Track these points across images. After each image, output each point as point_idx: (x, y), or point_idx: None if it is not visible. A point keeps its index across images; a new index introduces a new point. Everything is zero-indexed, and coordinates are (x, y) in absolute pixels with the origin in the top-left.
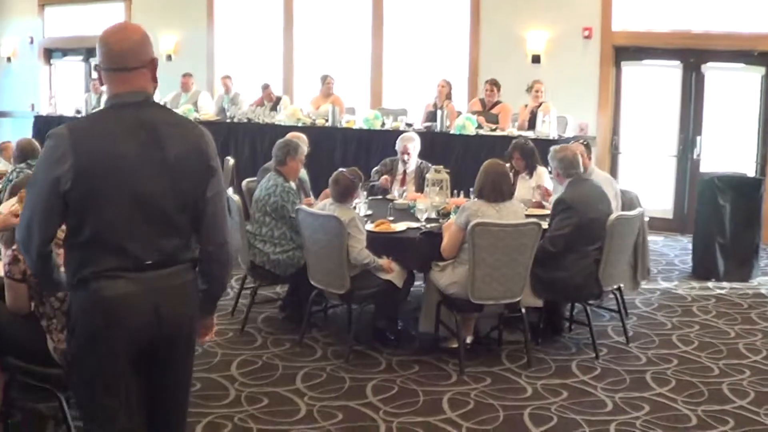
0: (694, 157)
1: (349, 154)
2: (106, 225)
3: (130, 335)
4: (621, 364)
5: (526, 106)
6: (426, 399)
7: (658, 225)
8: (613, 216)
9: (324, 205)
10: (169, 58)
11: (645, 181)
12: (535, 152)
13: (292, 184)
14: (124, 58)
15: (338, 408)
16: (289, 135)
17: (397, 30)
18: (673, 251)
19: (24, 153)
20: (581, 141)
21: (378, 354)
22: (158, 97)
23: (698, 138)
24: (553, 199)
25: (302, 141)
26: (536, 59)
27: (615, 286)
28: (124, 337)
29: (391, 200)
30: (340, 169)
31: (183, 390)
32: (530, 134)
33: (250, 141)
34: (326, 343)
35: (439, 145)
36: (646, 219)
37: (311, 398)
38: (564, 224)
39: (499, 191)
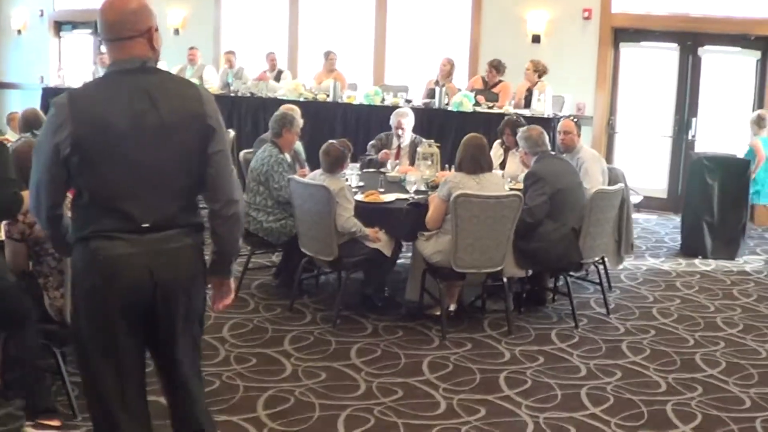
0: (689, 138)
1: (349, 128)
2: (103, 188)
3: (125, 293)
4: (599, 333)
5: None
6: (407, 362)
7: (653, 204)
8: (592, 189)
9: (314, 175)
10: (176, 32)
11: (641, 160)
12: None
13: (287, 156)
14: (120, 28)
15: (322, 368)
16: (283, 107)
17: (400, 8)
18: (664, 229)
19: (29, 123)
20: (571, 118)
21: (365, 320)
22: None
23: (693, 119)
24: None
25: (296, 113)
26: (536, 39)
27: (596, 258)
28: (119, 295)
29: (385, 173)
30: (330, 141)
31: (190, 355)
32: (526, 112)
33: (253, 114)
34: (316, 308)
35: (437, 122)
36: (641, 198)
37: (297, 359)
38: (537, 195)
39: (477, 163)
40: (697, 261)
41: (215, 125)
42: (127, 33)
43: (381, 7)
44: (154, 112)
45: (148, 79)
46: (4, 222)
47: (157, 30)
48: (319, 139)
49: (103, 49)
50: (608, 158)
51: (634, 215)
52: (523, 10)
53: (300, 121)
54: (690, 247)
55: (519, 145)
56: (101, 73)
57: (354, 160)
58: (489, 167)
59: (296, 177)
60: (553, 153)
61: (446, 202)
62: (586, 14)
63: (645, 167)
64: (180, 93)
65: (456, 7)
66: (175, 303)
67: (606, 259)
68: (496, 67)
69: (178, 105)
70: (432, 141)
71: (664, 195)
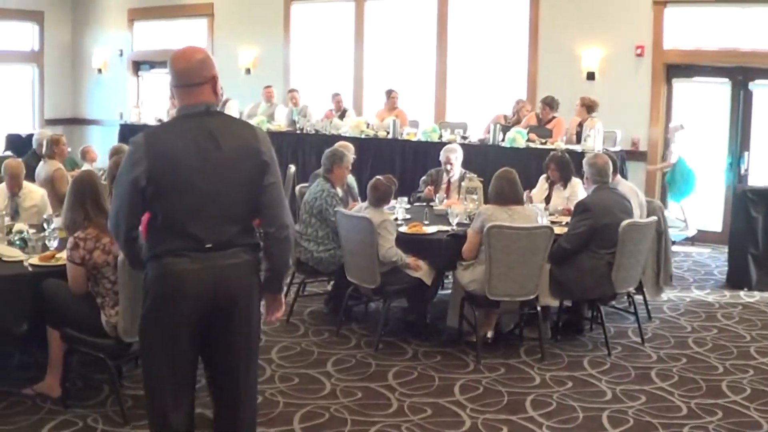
0: (742, 172)
1: (408, 164)
2: (173, 213)
3: (190, 302)
4: (631, 361)
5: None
6: (440, 384)
7: (707, 238)
8: (625, 222)
9: (360, 208)
10: (248, 71)
11: (695, 195)
12: (570, 164)
13: (338, 190)
14: (189, 76)
15: (359, 388)
16: (337, 144)
17: (460, 47)
18: (715, 263)
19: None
20: (606, 153)
21: (406, 345)
22: (237, 108)
23: (746, 153)
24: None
25: (348, 150)
26: (591, 76)
27: (629, 289)
28: (184, 303)
29: (432, 206)
30: (377, 177)
31: (244, 366)
32: (577, 148)
33: (317, 151)
34: (361, 334)
35: (491, 157)
36: (695, 231)
37: (337, 379)
38: (580, 224)
39: (506, 196)
40: (742, 293)
41: (269, 160)
42: (195, 80)
43: (442, 46)
44: (217, 149)
45: (212, 121)
46: (67, 247)
47: (218, 78)
48: (378, 174)
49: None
50: (663, 193)
51: (688, 248)
52: (578, 48)
53: (351, 157)
54: (736, 280)
55: (563, 177)
56: (174, 111)
57: (407, 194)
58: (520, 200)
59: (342, 209)
60: (612, 186)
61: (480, 233)
62: (639, 51)
63: (700, 201)
64: (239, 133)
65: (514, 46)
66: (234, 311)
67: (645, 289)
68: (549, 104)
69: (238, 143)
70: (475, 175)
71: (718, 228)
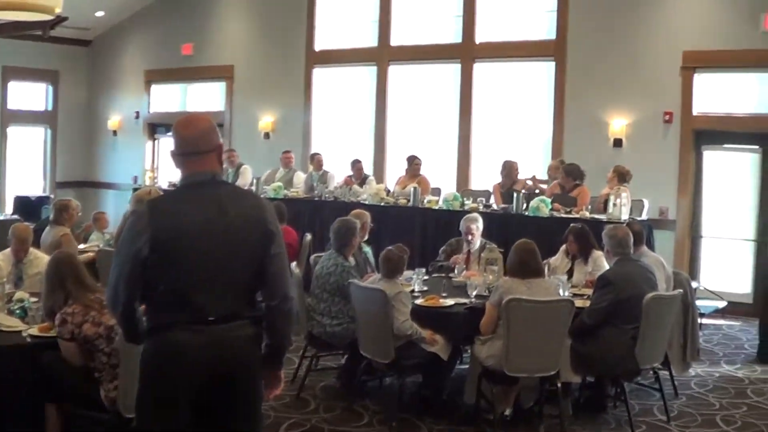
0: None
1: (429, 232)
2: (176, 284)
3: (189, 377)
4: None
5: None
6: None
7: (738, 310)
8: (649, 295)
9: (374, 280)
10: (266, 136)
11: (725, 265)
12: (589, 236)
13: (351, 261)
14: (196, 144)
15: None
16: (352, 213)
17: (484, 113)
18: (746, 336)
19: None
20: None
21: (422, 423)
22: (251, 174)
23: None
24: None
25: (362, 217)
26: (618, 143)
27: (654, 365)
28: (183, 378)
29: (452, 278)
30: (389, 248)
31: None
32: (602, 217)
33: (336, 218)
34: (375, 411)
35: (514, 226)
36: (725, 303)
37: None
38: (602, 299)
39: (526, 268)
40: None
41: (275, 230)
42: (202, 148)
43: (466, 113)
44: (223, 218)
45: (218, 190)
46: (55, 324)
47: (222, 147)
48: (398, 243)
49: None
50: (693, 263)
51: (717, 321)
52: (605, 114)
53: (359, 225)
54: (767, 354)
55: (582, 250)
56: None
57: (427, 264)
58: (540, 272)
59: (355, 281)
60: (635, 257)
61: (498, 307)
62: (667, 117)
63: (730, 272)
64: (244, 202)
65: (539, 112)
66: (235, 388)
67: (671, 365)
68: (569, 172)
69: (243, 213)
70: (495, 246)
71: (749, 300)
